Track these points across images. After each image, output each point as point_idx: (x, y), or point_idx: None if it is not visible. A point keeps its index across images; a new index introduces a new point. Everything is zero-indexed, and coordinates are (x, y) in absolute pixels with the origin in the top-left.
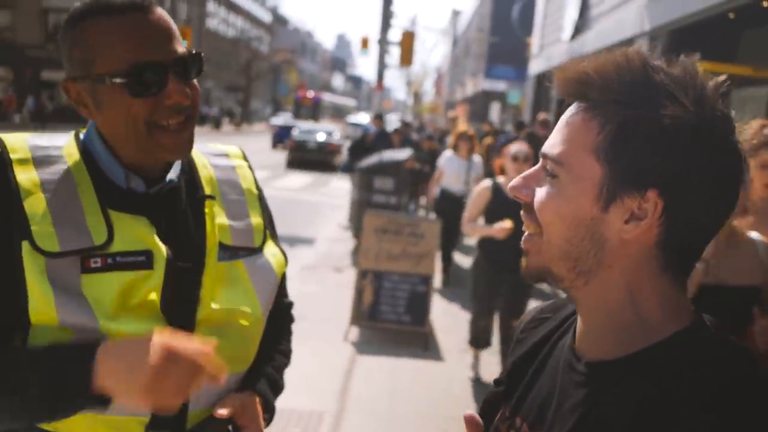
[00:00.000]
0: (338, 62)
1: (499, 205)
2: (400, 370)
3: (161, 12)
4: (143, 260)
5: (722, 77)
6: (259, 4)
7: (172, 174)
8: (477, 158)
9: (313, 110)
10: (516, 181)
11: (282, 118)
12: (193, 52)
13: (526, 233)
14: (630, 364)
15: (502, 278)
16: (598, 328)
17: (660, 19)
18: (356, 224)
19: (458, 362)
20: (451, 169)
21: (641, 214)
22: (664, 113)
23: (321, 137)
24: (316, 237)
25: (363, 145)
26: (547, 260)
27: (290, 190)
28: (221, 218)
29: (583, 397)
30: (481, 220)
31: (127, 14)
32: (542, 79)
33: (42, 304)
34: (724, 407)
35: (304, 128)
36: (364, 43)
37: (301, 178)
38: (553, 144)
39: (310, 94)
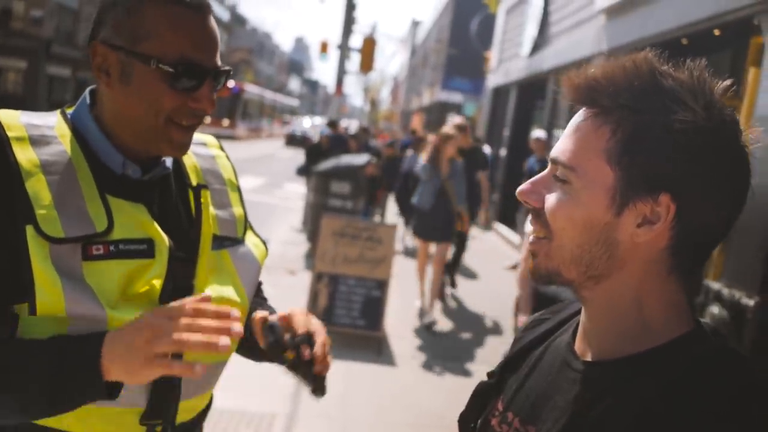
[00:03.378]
0: (296, 65)
1: None
2: (353, 374)
3: (213, 20)
4: (145, 249)
5: (728, 82)
6: (218, 2)
7: (167, 161)
8: None
9: (230, 104)
10: (524, 186)
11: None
12: (226, 68)
13: (533, 236)
14: (628, 366)
15: None
16: (601, 328)
17: (617, 40)
18: (311, 227)
19: (411, 368)
20: None
21: (654, 218)
22: (675, 118)
23: (299, 132)
24: (269, 239)
25: (319, 149)
26: (557, 264)
27: (243, 191)
28: (211, 208)
29: (578, 396)
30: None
31: (192, 10)
32: (500, 92)
33: (50, 293)
34: (724, 413)
35: (307, 125)
36: (324, 47)
37: (254, 180)
38: (563, 149)
39: (230, 83)
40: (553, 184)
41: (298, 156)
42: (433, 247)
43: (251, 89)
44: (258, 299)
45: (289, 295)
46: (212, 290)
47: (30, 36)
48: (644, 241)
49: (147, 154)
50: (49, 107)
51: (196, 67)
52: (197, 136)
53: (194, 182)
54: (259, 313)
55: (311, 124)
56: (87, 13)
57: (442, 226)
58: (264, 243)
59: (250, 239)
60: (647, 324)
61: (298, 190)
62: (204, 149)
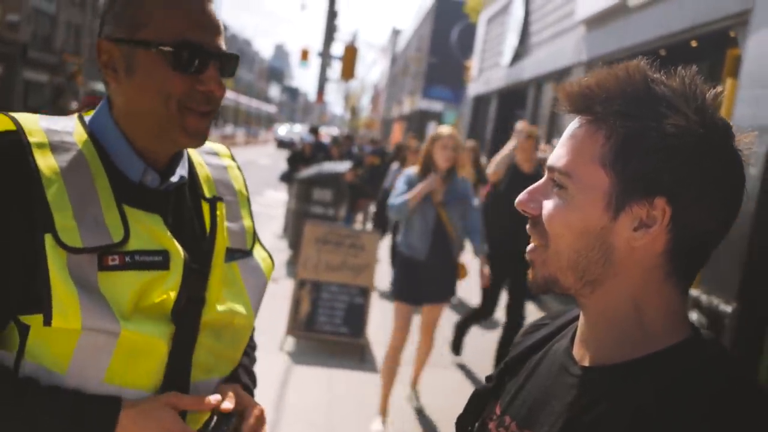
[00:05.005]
0: (275, 72)
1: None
2: (336, 381)
3: (213, 5)
4: (160, 260)
5: (719, 89)
6: None
7: (182, 170)
8: None
9: None
10: (522, 195)
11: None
12: (233, 53)
13: (531, 246)
14: (626, 371)
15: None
16: (600, 334)
17: (596, 51)
18: (293, 234)
19: None
20: None
21: (650, 222)
22: (668, 122)
23: (288, 137)
24: None
25: (302, 156)
26: (554, 271)
27: None
28: (225, 220)
29: (575, 400)
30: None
31: None
32: (480, 101)
33: (67, 305)
34: (719, 419)
35: (283, 133)
36: (304, 55)
37: None
38: (558, 156)
39: None
40: (550, 192)
41: (278, 164)
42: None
43: (226, 95)
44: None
45: (271, 303)
46: (223, 303)
47: (6, 40)
48: (641, 246)
49: (163, 153)
50: (25, 112)
51: (198, 48)
52: (210, 145)
53: (207, 193)
54: (224, 405)
55: (286, 131)
56: (64, 18)
57: (439, 279)
58: (270, 256)
59: (258, 252)
60: (645, 330)
61: (278, 197)
62: (216, 159)
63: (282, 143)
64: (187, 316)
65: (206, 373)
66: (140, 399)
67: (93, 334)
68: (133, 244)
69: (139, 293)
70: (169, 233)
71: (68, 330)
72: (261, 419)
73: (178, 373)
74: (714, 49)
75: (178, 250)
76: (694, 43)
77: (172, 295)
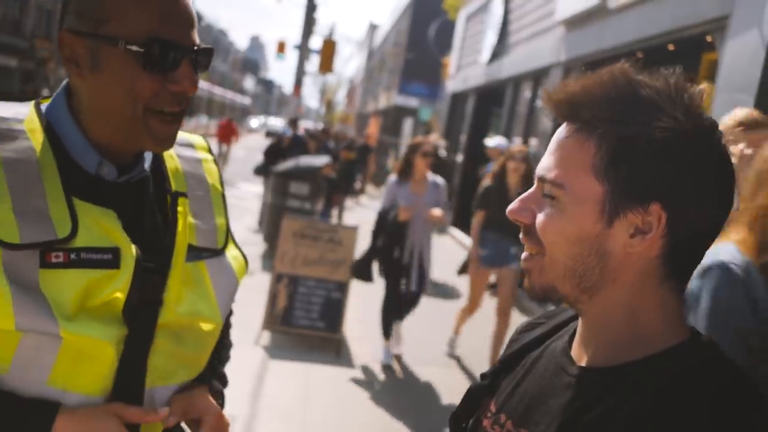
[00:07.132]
0: (251, 64)
1: None
2: (312, 376)
3: None
4: (109, 258)
5: (702, 86)
6: None
7: (145, 163)
8: None
9: None
10: (515, 204)
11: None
12: (207, 46)
13: (526, 254)
14: (624, 373)
15: None
16: (598, 337)
17: (575, 51)
18: (268, 228)
19: (370, 370)
20: None
21: (645, 228)
22: (657, 126)
23: (273, 128)
24: None
25: (279, 149)
26: (551, 279)
27: None
28: (189, 216)
29: (572, 400)
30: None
31: None
32: (458, 98)
33: None
34: (719, 421)
35: (255, 125)
36: (281, 47)
37: None
38: (548, 167)
39: None
40: (542, 200)
41: (253, 155)
42: None
43: (199, 85)
44: (218, 347)
45: (245, 296)
46: (184, 305)
47: None
48: (636, 252)
49: (127, 151)
50: None
51: (169, 45)
52: (185, 136)
53: (174, 188)
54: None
55: (259, 124)
56: (35, 2)
57: None
58: (244, 256)
59: (230, 252)
60: (643, 332)
61: (253, 190)
62: (190, 151)
63: (269, 133)
64: (140, 317)
65: (164, 379)
66: (81, 406)
67: (34, 336)
68: (82, 240)
69: (84, 293)
70: (121, 230)
71: (5, 331)
72: (220, 428)
73: (130, 378)
74: (691, 52)
75: (130, 248)
76: (671, 47)
77: (121, 295)
